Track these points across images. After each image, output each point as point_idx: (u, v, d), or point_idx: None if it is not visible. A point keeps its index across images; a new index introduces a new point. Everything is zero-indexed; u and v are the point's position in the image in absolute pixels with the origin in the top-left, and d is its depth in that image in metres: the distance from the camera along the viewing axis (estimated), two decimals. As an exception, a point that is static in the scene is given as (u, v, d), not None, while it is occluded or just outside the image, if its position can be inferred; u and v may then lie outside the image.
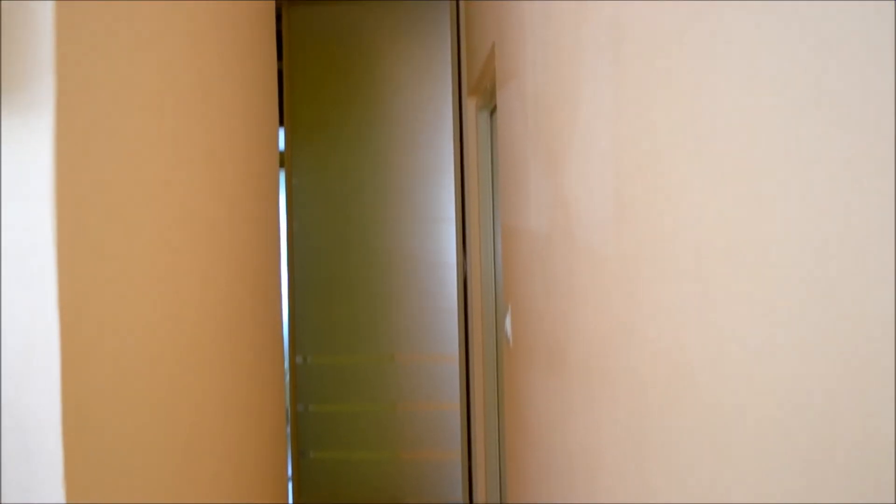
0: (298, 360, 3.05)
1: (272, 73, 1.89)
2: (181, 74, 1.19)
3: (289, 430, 3.02)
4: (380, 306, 3.00)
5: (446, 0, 2.97)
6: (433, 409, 2.99)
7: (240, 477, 1.48)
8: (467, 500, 2.97)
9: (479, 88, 2.62)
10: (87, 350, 0.87)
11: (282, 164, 2.96)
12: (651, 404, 0.79)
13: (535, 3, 1.34)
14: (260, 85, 1.74)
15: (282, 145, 3.00)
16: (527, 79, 1.47)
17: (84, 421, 0.86)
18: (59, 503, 0.82)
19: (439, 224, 2.97)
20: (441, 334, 2.98)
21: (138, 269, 1.02)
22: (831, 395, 0.46)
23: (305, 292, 3.04)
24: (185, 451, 1.18)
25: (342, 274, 3.02)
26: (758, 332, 0.55)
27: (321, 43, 3.03)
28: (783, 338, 0.51)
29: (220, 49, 1.41)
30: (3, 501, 0.84)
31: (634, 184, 0.82)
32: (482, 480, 2.84)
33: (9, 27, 0.82)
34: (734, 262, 0.58)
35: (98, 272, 0.90)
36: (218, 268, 1.37)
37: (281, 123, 3.01)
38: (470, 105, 2.85)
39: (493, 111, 2.61)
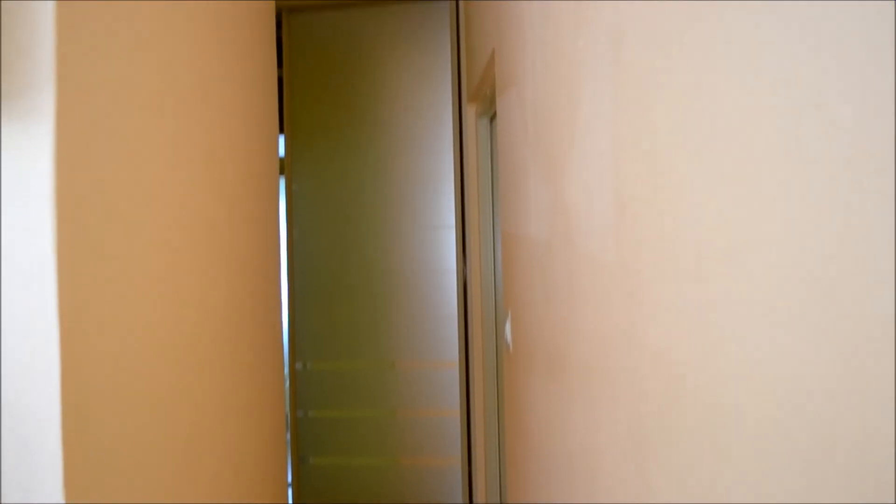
0: (298, 365, 3.04)
1: (272, 74, 1.89)
2: (181, 74, 1.19)
3: (288, 435, 3.01)
4: (380, 312, 3.00)
5: (446, 7, 2.98)
6: (433, 415, 2.99)
7: (239, 480, 1.47)
8: (467, 507, 2.96)
9: (478, 95, 2.62)
10: (86, 350, 0.87)
11: (282, 171, 2.96)
12: (651, 405, 0.79)
13: (535, 9, 1.34)
14: (260, 85, 1.74)
15: (282, 152, 3.00)
16: (526, 85, 1.47)
17: (84, 421, 0.86)
18: (58, 503, 0.82)
19: (439, 230, 2.97)
20: (441, 340, 2.98)
21: (138, 270, 1.02)
22: (831, 395, 0.46)
23: (305, 298, 3.04)
24: (185, 452, 1.18)
25: (342, 280, 3.02)
26: (758, 332, 0.55)
27: (321, 50, 3.04)
28: (783, 338, 0.51)
29: (220, 49, 1.41)
30: (3, 501, 0.84)
31: (634, 184, 0.82)
32: (482, 486, 2.83)
33: (9, 27, 0.82)
34: (734, 262, 0.58)
35: (98, 272, 0.90)
36: (218, 268, 1.37)
37: (281, 130, 3.01)
38: (470, 111, 2.86)
39: (492, 118, 2.61)
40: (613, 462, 0.94)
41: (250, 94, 1.65)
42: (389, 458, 3.00)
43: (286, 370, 3.02)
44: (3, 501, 0.84)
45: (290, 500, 2.98)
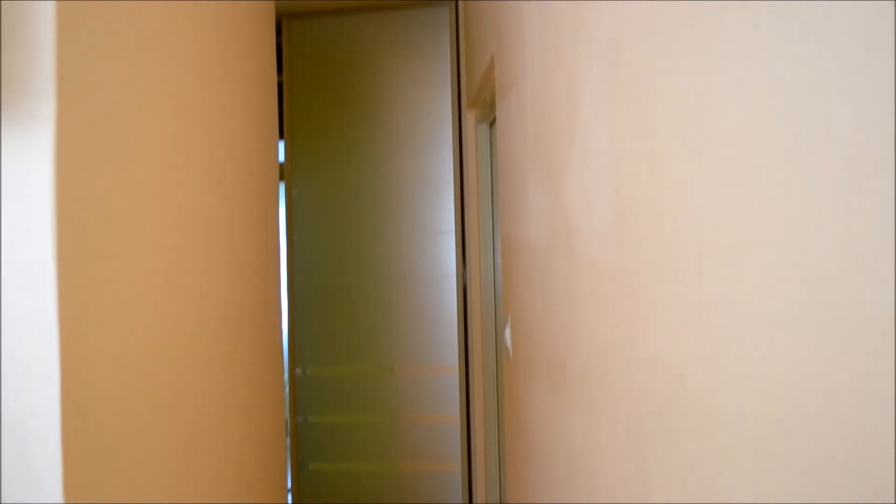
0: (298, 371, 3.04)
1: (272, 74, 1.89)
2: (181, 75, 1.20)
3: (288, 440, 3.01)
4: (380, 317, 3.00)
5: (445, 13, 2.98)
6: (433, 421, 2.98)
7: (239, 483, 1.47)
8: (466, 513, 2.96)
9: (478, 101, 2.63)
10: (86, 350, 0.87)
11: (282, 177, 2.97)
12: (651, 405, 0.79)
13: (535, 14, 1.34)
14: (260, 86, 1.75)
15: (282, 157, 3.01)
16: (526, 89, 1.47)
17: (84, 421, 0.86)
18: (58, 503, 0.82)
19: (439, 235, 2.97)
20: (441, 345, 2.98)
21: (138, 270, 1.02)
22: (831, 395, 0.46)
23: (305, 303, 3.04)
24: (185, 452, 1.17)
25: (342, 285, 3.02)
26: (758, 332, 0.55)
27: (320, 56, 3.04)
28: (783, 338, 0.51)
29: (220, 49, 1.42)
30: (3, 501, 0.84)
31: (634, 184, 0.82)
32: (482, 491, 2.83)
33: (9, 27, 0.83)
34: (734, 262, 0.58)
35: (98, 273, 0.90)
36: (217, 269, 1.37)
37: (281, 135, 3.02)
38: (469, 117, 2.86)
39: (492, 123, 2.62)
40: (613, 462, 0.93)
41: (250, 95, 1.65)
42: (389, 464, 3.00)
43: (286, 375, 3.02)
44: (3, 501, 0.84)
45: (289, 506, 2.97)
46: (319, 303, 3.03)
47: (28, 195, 0.82)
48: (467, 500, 2.95)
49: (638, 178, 0.81)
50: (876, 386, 0.42)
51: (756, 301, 0.55)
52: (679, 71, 0.69)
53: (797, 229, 0.49)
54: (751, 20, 0.55)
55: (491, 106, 2.36)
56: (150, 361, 1.05)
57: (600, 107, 0.95)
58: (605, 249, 0.95)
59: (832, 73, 0.45)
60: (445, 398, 2.97)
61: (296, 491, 3.04)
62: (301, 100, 3.05)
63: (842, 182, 0.44)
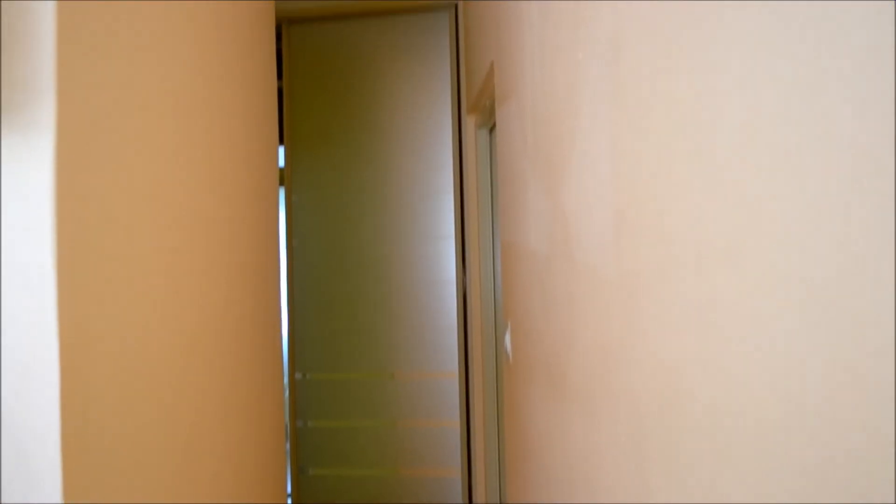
0: (298, 376, 3.04)
1: (272, 75, 1.89)
2: (181, 75, 1.20)
3: (288, 445, 3.01)
4: (379, 323, 3.00)
5: (445, 18, 2.99)
6: (433, 426, 2.98)
7: (239, 485, 1.47)
8: (465, 519, 2.95)
9: (478, 106, 2.63)
10: (86, 351, 0.87)
11: (282, 182, 2.97)
12: (651, 405, 0.78)
13: (535, 14, 1.35)
14: (260, 86, 1.75)
15: (282, 162, 3.01)
16: (526, 94, 1.47)
17: (83, 421, 0.86)
18: (57, 503, 0.82)
19: (439, 241, 2.98)
20: (441, 351, 2.98)
21: (138, 271, 1.02)
22: (831, 395, 0.46)
23: (305, 309, 3.04)
24: (185, 453, 1.17)
25: (342, 291, 3.02)
26: (758, 332, 0.55)
27: (320, 61, 3.05)
28: (783, 338, 0.51)
29: (220, 50, 1.42)
30: (3, 502, 0.84)
31: (634, 185, 0.83)
32: (482, 496, 2.82)
33: (9, 27, 0.83)
34: (734, 263, 0.58)
35: (98, 273, 0.90)
36: (218, 269, 1.37)
37: (281, 141, 3.02)
38: (469, 123, 2.87)
39: (492, 129, 2.62)
40: (613, 462, 0.93)
41: (250, 95, 1.65)
42: (389, 469, 2.99)
43: (286, 379, 3.02)
44: (3, 501, 0.84)
45: (288, 511, 2.97)
46: (319, 308, 3.03)
47: (28, 195, 0.82)
48: (467, 506, 2.95)
49: (638, 179, 0.81)
50: (876, 386, 0.42)
51: (756, 301, 0.55)
52: (679, 71, 0.69)
53: (797, 229, 0.49)
54: (751, 20, 0.55)
55: (491, 111, 2.36)
56: (149, 362, 1.04)
57: (600, 107, 0.95)
58: (605, 250, 0.95)
59: (832, 73, 0.45)
60: (445, 403, 2.97)
61: (296, 495, 3.03)
62: (301, 105, 3.06)
63: (842, 182, 0.45)
